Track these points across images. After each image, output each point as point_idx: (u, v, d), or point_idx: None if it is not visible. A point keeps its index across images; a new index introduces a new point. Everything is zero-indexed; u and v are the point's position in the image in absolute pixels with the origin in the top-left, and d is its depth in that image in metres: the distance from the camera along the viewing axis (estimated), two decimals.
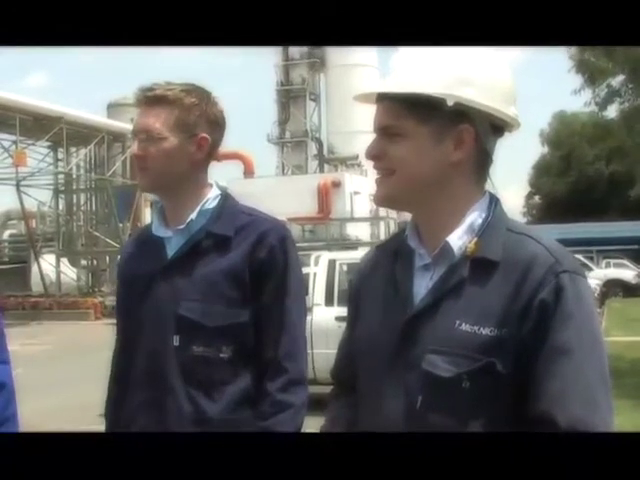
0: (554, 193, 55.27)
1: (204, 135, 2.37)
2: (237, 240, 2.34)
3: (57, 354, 17.70)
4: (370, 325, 1.77)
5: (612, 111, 16.98)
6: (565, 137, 55.69)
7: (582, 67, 15.21)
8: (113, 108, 38.22)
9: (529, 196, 63.23)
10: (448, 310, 1.62)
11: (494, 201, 1.72)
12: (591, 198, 49.74)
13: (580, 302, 1.56)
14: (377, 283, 1.81)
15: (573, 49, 14.69)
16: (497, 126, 1.71)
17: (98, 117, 33.30)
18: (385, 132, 1.69)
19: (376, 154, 1.71)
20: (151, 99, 2.35)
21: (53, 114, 28.95)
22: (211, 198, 2.42)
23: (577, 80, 15.71)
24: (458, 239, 1.66)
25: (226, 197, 2.46)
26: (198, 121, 2.37)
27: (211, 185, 2.47)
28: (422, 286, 1.69)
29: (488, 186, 1.75)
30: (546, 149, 59.97)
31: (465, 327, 1.58)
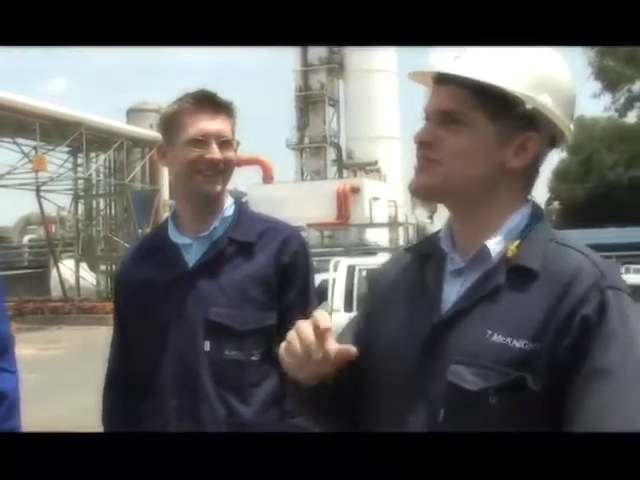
0: (573, 198, 54.97)
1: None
2: (259, 245, 2.42)
3: (76, 358, 17.74)
4: (393, 329, 1.65)
5: (632, 117, 16.94)
6: (584, 142, 55.40)
7: (602, 73, 15.19)
8: (133, 113, 38.32)
9: (549, 202, 62.93)
10: (480, 318, 1.50)
11: (538, 210, 1.62)
12: (610, 203, 49.39)
13: (625, 321, 1.45)
14: (403, 286, 1.69)
15: (593, 55, 14.71)
16: (553, 138, 1.62)
17: (118, 122, 33.35)
18: (444, 118, 1.55)
19: (429, 141, 1.57)
20: (217, 106, 2.43)
21: (73, 119, 28.98)
22: (228, 206, 2.50)
23: (596, 85, 15.71)
24: (497, 244, 1.55)
25: (240, 205, 2.55)
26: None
27: (225, 194, 2.54)
28: (452, 292, 1.58)
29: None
30: (565, 154, 59.74)
31: (497, 338, 1.47)
